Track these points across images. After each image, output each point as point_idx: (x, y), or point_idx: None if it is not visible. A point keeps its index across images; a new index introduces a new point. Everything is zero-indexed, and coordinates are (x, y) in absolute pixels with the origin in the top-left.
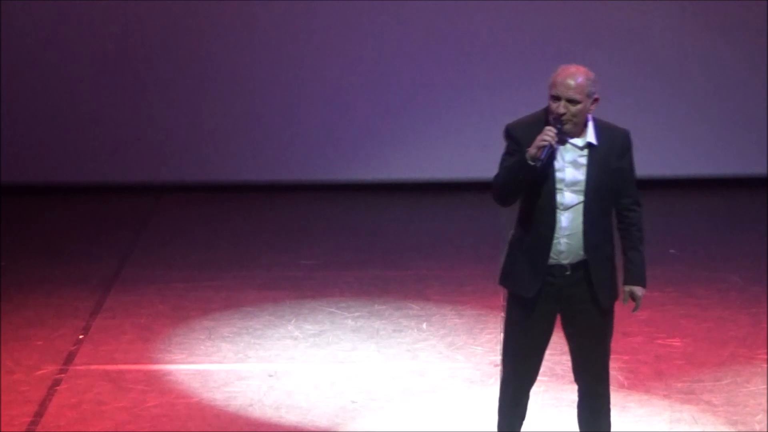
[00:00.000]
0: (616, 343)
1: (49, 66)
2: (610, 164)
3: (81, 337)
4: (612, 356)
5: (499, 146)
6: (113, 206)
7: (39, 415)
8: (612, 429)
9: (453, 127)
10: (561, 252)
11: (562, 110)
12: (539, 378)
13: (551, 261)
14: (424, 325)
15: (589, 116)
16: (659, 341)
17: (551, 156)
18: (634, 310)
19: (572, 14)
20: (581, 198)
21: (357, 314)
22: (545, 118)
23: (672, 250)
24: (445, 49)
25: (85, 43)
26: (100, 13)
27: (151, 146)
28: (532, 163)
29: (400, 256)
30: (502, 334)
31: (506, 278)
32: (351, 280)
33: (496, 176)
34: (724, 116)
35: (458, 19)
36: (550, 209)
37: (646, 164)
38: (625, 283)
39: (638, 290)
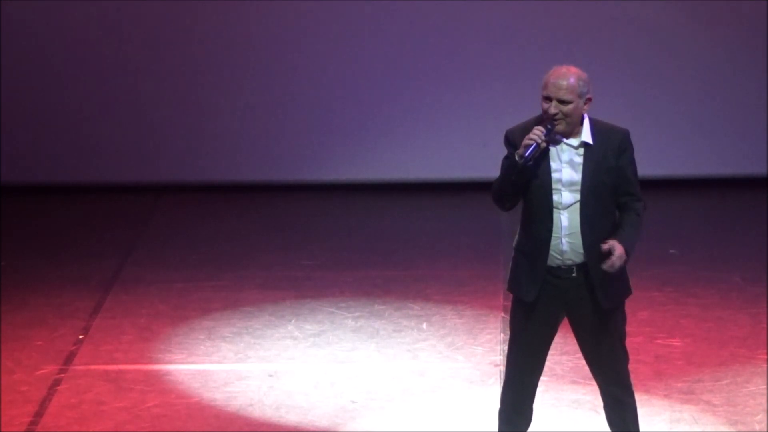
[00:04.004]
0: None
1: (48, 66)
2: (607, 163)
3: (81, 337)
4: None
5: (499, 146)
6: (113, 206)
7: (39, 415)
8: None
9: (453, 127)
10: (564, 252)
11: (553, 110)
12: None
13: (556, 262)
14: (424, 325)
15: (585, 116)
16: (659, 341)
17: (542, 156)
18: (605, 266)
19: (572, 13)
20: (578, 197)
21: (357, 314)
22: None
23: (672, 250)
24: (445, 48)
25: (84, 44)
26: (100, 14)
27: (150, 146)
28: (520, 161)
29: (400, 256)
30: (502, 335)
31: (511, 283)
32: (351, 280)
33: (494, 181)
34: (724, 116)
35: (459, 19)
36: (546, 211)
37: (646, 164)
38: (613, 237)
39: (617, 247)
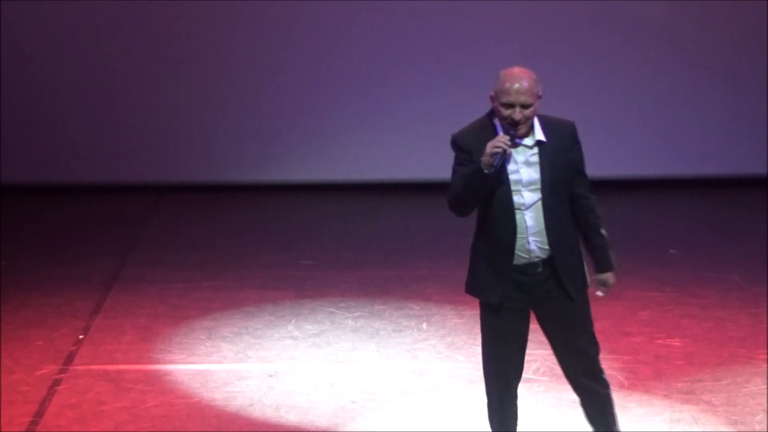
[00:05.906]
0: (616, 342)
1: (49, 67)
2: (560, 158)
3: (81, 337)
4: (612, 356)
5: None
6: (113, 206)
7: (39, 415)
8: (619, 424)
9: (453, 128)
10: (531, 251)
11: (518, 116)
12: (539, 378)
13: (522, 261)
14: (424, 325)
15: None
16: (659, 341)
17: (504, 161)
18: (605, 294)
19: (570, 12)
20: (539, 195)
21: (357, 314)
22: (491, 123)
23: (672, 250)
24: (442, 49)
25: (84, 45)
26: (100, 16)
27: (150, 146)
28: (487, 171)
29: (400, 256)
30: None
31: (471, 286)
32: (351, 280)
33: (452, 188)
34: (723, 116)
35: (461, 18)
36: (508, 213)
37: (647, 164)
38: (597, 271)
39: (609, 277)
